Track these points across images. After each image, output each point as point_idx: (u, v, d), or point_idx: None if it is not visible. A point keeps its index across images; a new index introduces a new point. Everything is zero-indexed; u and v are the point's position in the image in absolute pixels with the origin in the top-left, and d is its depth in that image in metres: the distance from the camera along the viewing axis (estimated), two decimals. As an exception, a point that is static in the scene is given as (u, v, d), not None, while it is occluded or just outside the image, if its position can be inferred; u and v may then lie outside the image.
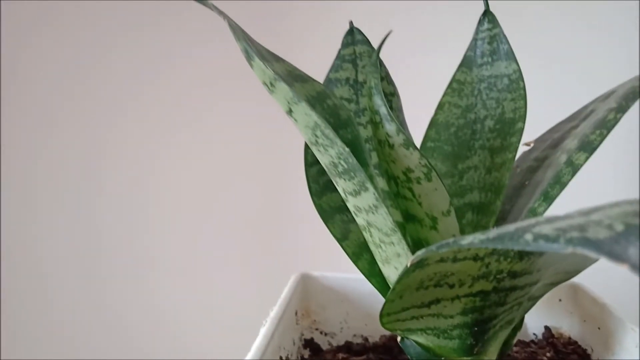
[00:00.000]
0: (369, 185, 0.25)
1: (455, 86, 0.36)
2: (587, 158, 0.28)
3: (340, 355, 0.37)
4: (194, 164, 0.70)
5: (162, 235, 0.72)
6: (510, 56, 0.34)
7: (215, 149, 0.70)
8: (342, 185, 0.27)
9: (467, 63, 0.36)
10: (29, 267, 0.71)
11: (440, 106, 0.36)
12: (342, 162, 0.25)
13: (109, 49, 0.68)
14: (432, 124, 0.36)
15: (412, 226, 0.29)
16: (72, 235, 0.71)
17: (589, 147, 0.28)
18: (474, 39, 0.36)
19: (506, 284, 0.24)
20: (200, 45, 0.66)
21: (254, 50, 0.26)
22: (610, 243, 0.14)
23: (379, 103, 0.27)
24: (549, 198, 0.28)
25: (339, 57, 0.35)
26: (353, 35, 0.36)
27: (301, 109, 0.25)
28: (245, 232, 0.71)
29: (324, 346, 0.41)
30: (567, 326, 0.40)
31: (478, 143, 0.34)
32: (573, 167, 0.28)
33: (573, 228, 0.15)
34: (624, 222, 0.15)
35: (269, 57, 0.29)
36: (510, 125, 0.33)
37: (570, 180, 0.28)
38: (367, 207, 0.26)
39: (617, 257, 0.14)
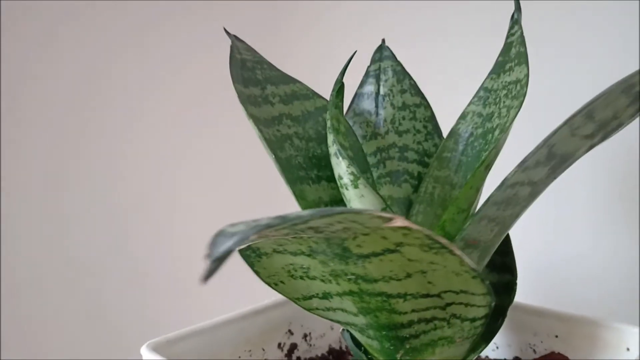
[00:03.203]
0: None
1: (482, 94, 0.35)
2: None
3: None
4: (206, 168, 0.69)
5: (165, 237, 0.70)
6: (524, 60, 0.31)
7: (227, 154, 0.68)
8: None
9: (496, 69, 0.34)
10: (29, 267, 0.69)
11: (463, 116, 0.35)
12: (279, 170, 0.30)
13: (119, 55, 0.67)
14: (452, 133, 0.35)
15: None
16: (73, 235, 0.69)
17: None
18: (505, 43, 0.34)
19: (368, 287, 0.25)
20: (216, 47, 0.63)
21: (239, 78, 0.33)
22: (216, 242, 0.17)
23: (327, 117, 0.31)
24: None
25: (366, 73, 0.38)
26: (381, 52, 0.38)
27: (252, 125, 0.31)
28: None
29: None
30: (633, 380, 0.32)
31: (484, 154, 0.33)
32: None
33: (234, 229, 0.19)
34: (245, 225, 0.18)
35: (276, 80, 0.36)
36: (504, 133, 0.31)
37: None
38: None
39: (207, 253, 0.17)
